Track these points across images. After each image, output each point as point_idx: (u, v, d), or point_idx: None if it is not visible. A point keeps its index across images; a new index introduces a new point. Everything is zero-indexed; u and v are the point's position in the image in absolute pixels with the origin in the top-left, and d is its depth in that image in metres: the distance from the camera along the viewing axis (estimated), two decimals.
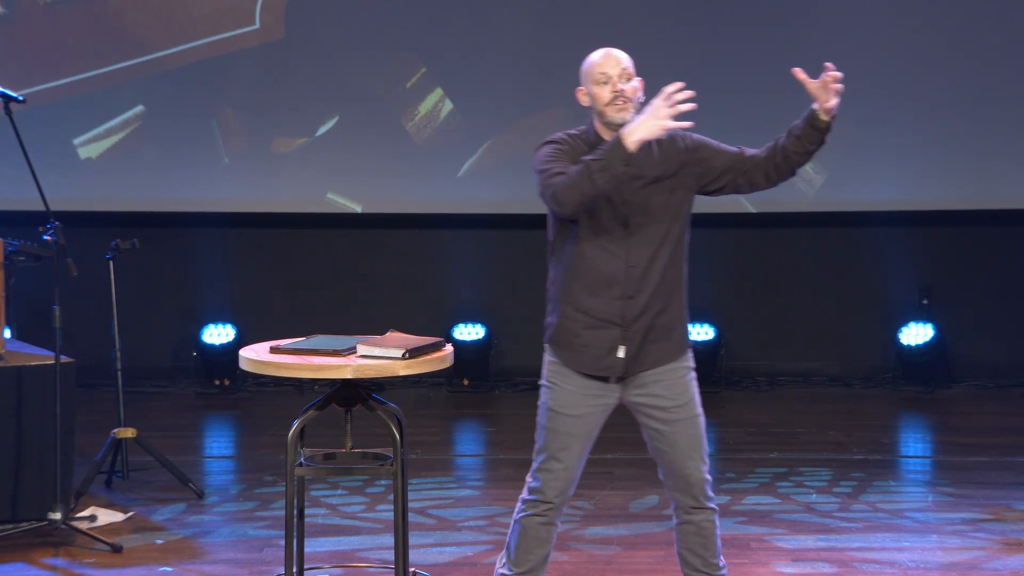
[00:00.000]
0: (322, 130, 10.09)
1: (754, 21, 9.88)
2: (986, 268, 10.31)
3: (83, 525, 6.92)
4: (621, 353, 5.17)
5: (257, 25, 9.99)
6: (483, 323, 10.22)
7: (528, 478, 5.31)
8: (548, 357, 5.35)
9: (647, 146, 5.11)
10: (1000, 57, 9.91)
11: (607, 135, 5.15)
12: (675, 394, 5.21)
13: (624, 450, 8.05)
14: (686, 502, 5.27)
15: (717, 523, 5.31)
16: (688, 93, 4.92)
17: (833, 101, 5.24)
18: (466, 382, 10.13)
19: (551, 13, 9.96)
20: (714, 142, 5.25)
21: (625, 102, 5.12)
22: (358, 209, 10.19)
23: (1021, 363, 10.23)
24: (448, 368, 5.71)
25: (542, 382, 5.35)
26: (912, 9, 9.91)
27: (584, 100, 5.21)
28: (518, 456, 8.39)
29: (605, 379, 5.21)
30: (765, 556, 6.62)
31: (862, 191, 10.02)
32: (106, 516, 7.15)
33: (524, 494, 5.31)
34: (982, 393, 10.03)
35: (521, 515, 5.31)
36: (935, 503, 7.48)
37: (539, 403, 5.34)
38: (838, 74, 5.08)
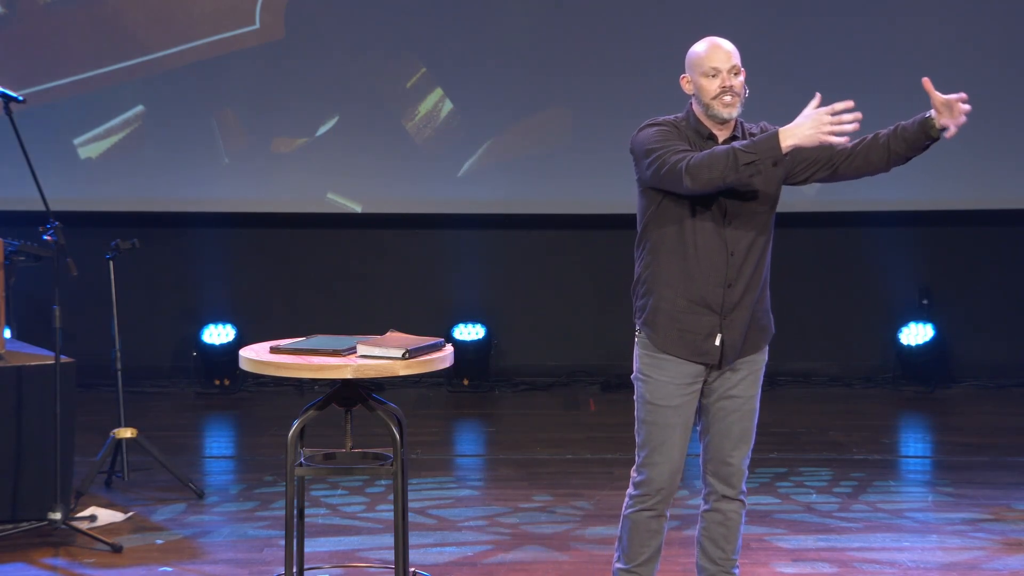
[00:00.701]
0: (322, 130, 10.09)
1: (754, 21, 9.88)
2: (986, 268, 10.31)
3: (83, 525, 6.92)
4: (717, 341, 5.19)
5: (257, 25, 9.99)
6: (483, 323, 10.22)
7: (633, 473, 5.33)
8: (640, 349, 5.31)
9: (732, 139, 5.15)
10: (1000, 57, 9.92)
11: (709, 125, 5.17)
12: (747, 386, 5.28)
13: (624, 450, 8.05)
14: (721, 489, 5.33)
15: (743, 518, 5.35)
16: (856, 115, 4.93)
17: (954, 126, 5.11)
18: (466, 382, 10.12)
19: (551, 13, 9.96)
20: None
21: (733, 97, 5.13)
22: (358, 209, 10.19)
23: (1021, 363, 10.23)
24: (448, 368, 5.71)
25: (635, 376, 5.33)
26: (912, 9, 9.91)
27: (688, 88, 5.19)
28: (518, 456, 8.40)
29: (700, 366, 5.22)
30: (765, 556, 6.62)
31: (862, 191, 10.00)
32: (106, 516, 7.15)
33: (631, 489, 5.33)
34: (982, 393, 10.04)
35: (630, 510, 5.33)
36: (935, 503, 7.48)
37: (635, 397, 5.33)
38: (967, 107, 5.04)
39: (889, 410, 9.68)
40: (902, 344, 10.17)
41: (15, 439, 6.97)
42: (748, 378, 5.28)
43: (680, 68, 5.25)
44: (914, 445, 9.11)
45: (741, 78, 5.15)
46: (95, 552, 6.68)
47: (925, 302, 10.18)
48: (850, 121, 4.94)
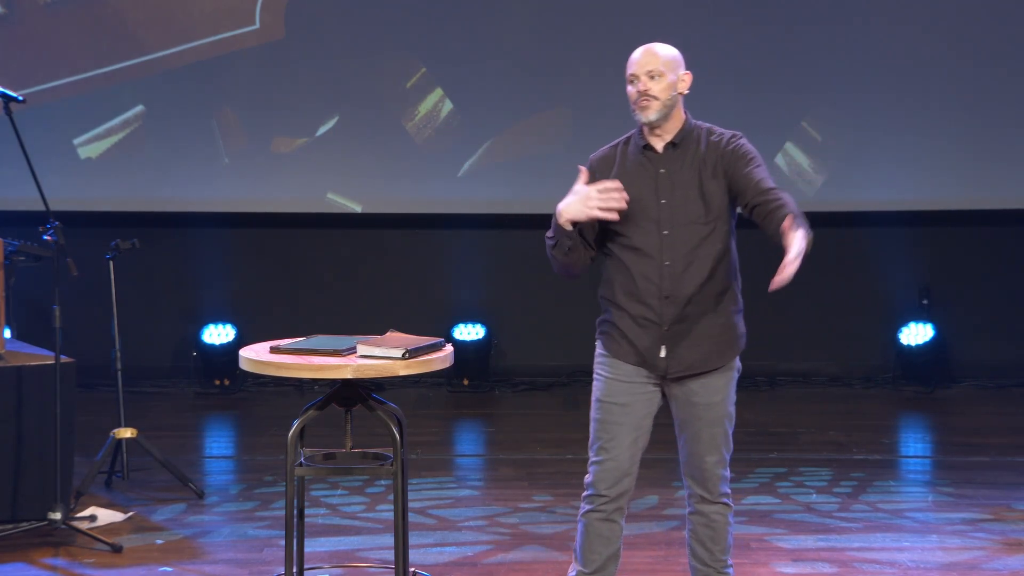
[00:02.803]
0: (322, 130, 10.09)
1: (754, 22, 9.88)
2: (986, 268, 10.31)
3: (83, 525, 6.92)
4: (663, 353, 5.17)
5: (257, 25, 9.99)
6: (483, 323, 10.22)
7: (586, 475, 5.32)
8: (597, 351, 5.36)
9: (671, 147, 5.14)
10: (1000, 57, 9.91)
11: (647, 135, 5.18)
12: (710, 392, 5.26)
13: None
14: (698, 492, 5.31)
15: (731, 520, 5.33)
16: (623, 195, 5.00)
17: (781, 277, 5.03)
18: (466, 382, 10.12)
19: (551, 13, 9.96)
20: (751, 160, 5.18)
21: (650, 101, 5.11)
22: (358, 209, 10.18)
23: (1021, 363, 10.23)
24: (448, 368, 5.71)
25: (594, 373, 5.36)
26: (912, 9, 9.91)
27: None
28: (518, 456, 8.40)
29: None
30: (765, 556, 6.62)
31: (862, 191, 10.02)
32: (106, 516, 7.15)
33: (584, 491, 5.33)
34: (982, 393, 10.03)
35: (581, 512, 5.33)
36: (935, 503, 7.48)
37: (592, 395, 5.35)
38: (784, 276, 5.01)
39: (889, 410, 9.68)
40: (902, 344, 10.17)
41: (15, 439, 6.98)
42: (711, 385, 5.25)
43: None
44: (914, 445, 9.11)
45: (665, 81, 5.11)
46: (95, 552, 6.68)
47: (925, 302, 10.18)
48: (616, 199, 5.00)
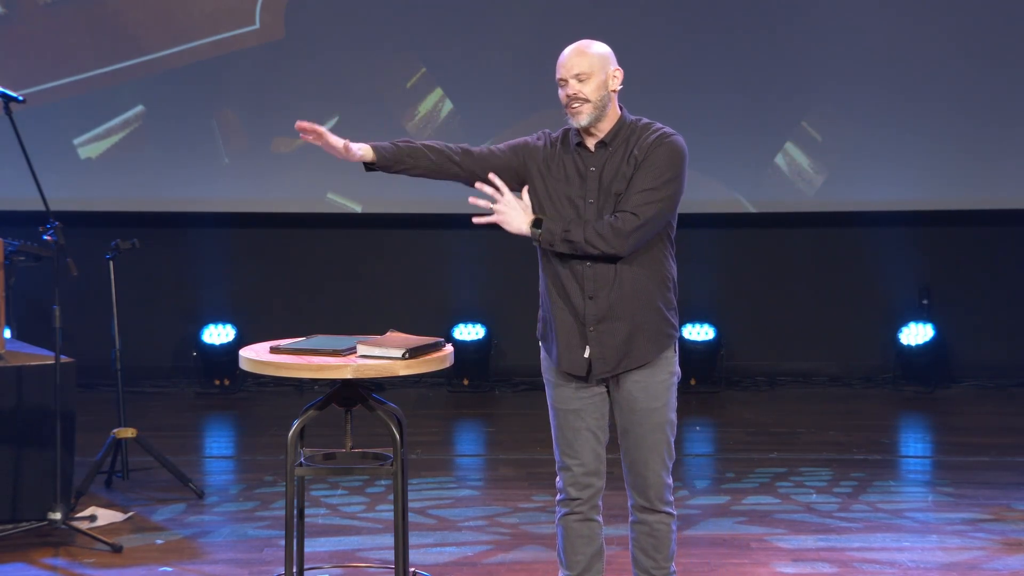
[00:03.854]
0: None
1: (753, 22, 9.88)
2: (986, 268, 10.31)
3: (83, 525, 6.92)
4: (586, 353, 5.17)
5: (257, 25, 9.99)
6: (483, 323, 10.22)
7: (556, 479, 5.33)
8: (542, 355, 5.38)
9: (602, 146, 5.12)
10: (1001, 57, 9.91)
11: (583, 136, 5.15)
12: (650, 397, 5.19)
13: None
14: (640, 502, 5.27)
15: (674, 529, 5.28)
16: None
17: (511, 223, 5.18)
18: (466, 382, 10.13)
19: (551, 13, 9.96)
20: (650, 169, 5.06)
21: (581, 104, 5.07)
22: (358, 209, 10.19)
23: (1021, 363, 10.23)
24: (448, 368, 5.71)
25: (543, 377, 5.39)
26: (912, 9, 9.91)
27: None
28: (518, 456, 8.40)
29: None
30: (765, 556, 6.62)
31: (862, 191, 10.02)
32: (106, 516, 7.15)
33: (556, 496, 5.33)
34: (982, 393, 10.03)
35: (558, 517, 5.33)
36: (935, 503, 7.48)
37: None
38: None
39: (889, 410, 9.68)
40: (902, 344, 10.17)
41: (15, 439, 6.98)
42: (650, 389, 5.19)
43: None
44: (914, 445, 9.11)
45: (594, 81, 5.05)
46: (95, 552, 6.68)
47: (925, 302, 10.18)
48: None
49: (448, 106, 10.07)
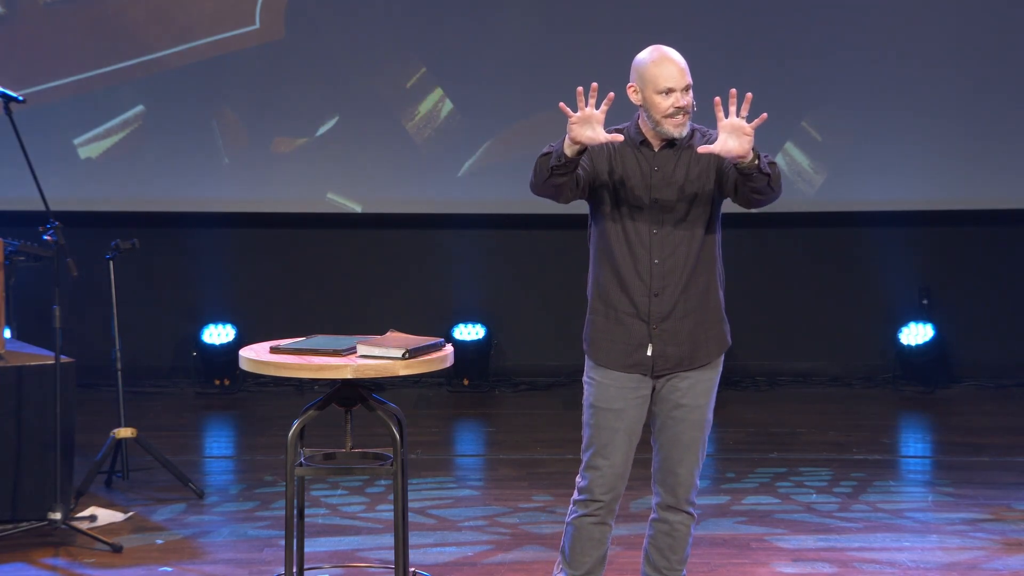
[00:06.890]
0: (322, 130, 10.09)
1: (753, 22, 9.88)
2: (986, 268, 10.31)
3: (83, 525, 6.92)
4: (649, 351, 5.16)
5: (257, 25, 9.99)
6: (483, 323, 10.21)
7: (577, 478, 5.31)
8: (587, 358, 5.32)
9: (669, 146, 5.11)
10: (1000, 57, 9.92)
11: (647, 134, 5.12)
12: (695, 395, 5.21)
13: None
14: (667, 499, 5.28)
15: (692, 532, 5.30)
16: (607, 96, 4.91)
17: (734, 148, 4.94)
18: (466, 382, 10.12)
19: (551, 13, 9.96)
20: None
21: (685, 116, 5.07)
22: (358, 209, 10.18)
23: (1021, 363, 10.23)
24: (448, 368, 5.71)
25: (584, 378, 5.32)
26: (912, 10, 9.91)
27: (635, 99, 5.11)
28: (518, 456, 8.40)
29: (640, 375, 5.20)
30: (765, 556, 6.62)
31: (862, 191, 10.02)
32: (106, 516, 7.15)
33: (575, 495, 5.30)
34: (982, 393, 10.04)
35: (573, 516, 5.30)
36: (935, 503, 7.48)
37: (583, 400, 5.31)
38: (750, 122, 4.92)
39: (889, 410, 9.68)
40: (902, 344, 10.17)
41: (15, 439, 6.98)
42: (698, 387, 5.21)
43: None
44: (914, 445, 9.11)
45: (691, 94, 5.08)
46: (95, 552, 6.68)
47: (925, 302, 10.18)
48: (596, 102, 4.89)
49: (448, 106, 10.06)
